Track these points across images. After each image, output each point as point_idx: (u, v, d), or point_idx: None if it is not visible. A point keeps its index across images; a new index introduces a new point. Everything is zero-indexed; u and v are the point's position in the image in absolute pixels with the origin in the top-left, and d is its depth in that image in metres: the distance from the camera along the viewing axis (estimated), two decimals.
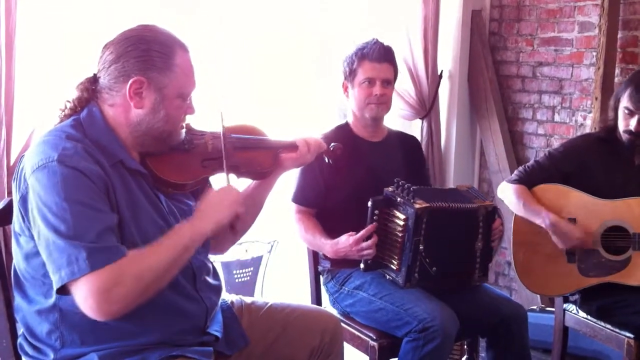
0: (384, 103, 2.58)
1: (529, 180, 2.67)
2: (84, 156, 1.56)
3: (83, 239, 1.49)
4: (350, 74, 2.58)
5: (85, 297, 1.48)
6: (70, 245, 1.48)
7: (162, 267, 1.56)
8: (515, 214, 2.69)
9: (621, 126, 2.55)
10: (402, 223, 2.24)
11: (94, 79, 1.68)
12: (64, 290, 1.51)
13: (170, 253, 1.58)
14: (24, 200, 1.57)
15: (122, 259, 1.51)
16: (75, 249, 1.48)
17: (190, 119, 1.79)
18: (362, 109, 2.59)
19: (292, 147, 2.01)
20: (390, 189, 2.30)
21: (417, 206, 2.20)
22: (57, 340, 1.63)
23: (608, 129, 2.62)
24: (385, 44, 2.60)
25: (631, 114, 2.49)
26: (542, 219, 2.58)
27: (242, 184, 2.00)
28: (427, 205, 2.21)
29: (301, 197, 2.58)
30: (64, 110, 1.69)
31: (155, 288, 1.57)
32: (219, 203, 1.72)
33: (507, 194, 2.69)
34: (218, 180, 1.87)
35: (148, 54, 1.63)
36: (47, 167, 1.53)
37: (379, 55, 2.54)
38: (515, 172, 2.75)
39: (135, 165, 1.69)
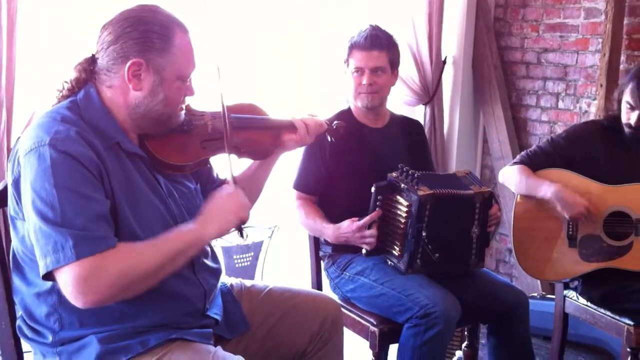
0: (376, 92, 2.54)
1: (531, 164, 2.66)
2: (76, 140, 1.53)
3: (71, 226, 1.47)
4: (345, 62, 2.58)
5: (65, 284, 1.47)
6: (57, 231, 1.47)
7: (152, 267, 1.54)
8: (517, 198, 2.68)
9: (623, 118, 2.54)
10: (405, 209, 2.22)
11: (92, 60, 1.66)
12: (49, 277, 1.50)
13: (164, 254, 1.56)
14: (16, 183, 1.55)
15: (109, 250, 1.49)
16: (62, 236, 1.46)
17: (190, 100, 1.77)
18: (355, 98, 2.59)
19: (292, 127, 1.99)
20: (394, 174, 2.29)
21: (420, 193, 2.18)
22: (55, 323, 1.62)
23: (613, 118, 2.61)
24: (382, 29, 2.56)
25: (632, 108, 2.49)
26: (544, 190, 2.56)
27: (243, 164, 1.99)
28: (431, 192, 2.19)
29: (303, 184, 2.57)
30: (61, 91, 1.67)
31: (143, 285, 1.54)
32: (224, 207, 1.68)
33: (509, 175, 2.67)
34: (221, 163, 1.85)
35: (147, 35, 1.60)
36: (39, 150, 1.51)
37: (366, 43, 2.51)
38: (518, 156, 2.74)
39: (133, 148, 1.67)
